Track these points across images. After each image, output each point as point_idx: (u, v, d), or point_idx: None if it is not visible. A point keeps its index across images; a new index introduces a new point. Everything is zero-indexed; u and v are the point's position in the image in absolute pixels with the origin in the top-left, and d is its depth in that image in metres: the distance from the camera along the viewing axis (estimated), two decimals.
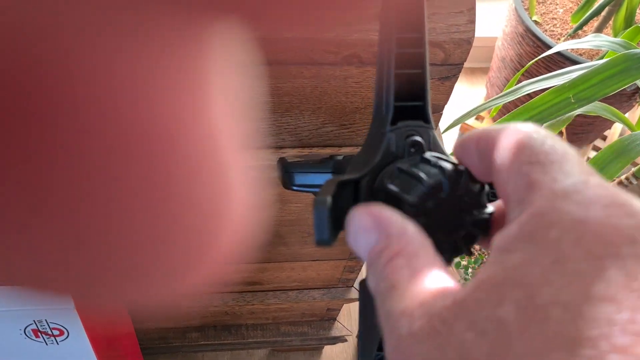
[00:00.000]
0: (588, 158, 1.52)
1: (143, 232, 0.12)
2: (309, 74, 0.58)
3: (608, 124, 1.48)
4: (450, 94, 0.63)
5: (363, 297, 0.43)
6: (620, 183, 0.97)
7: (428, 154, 0.37)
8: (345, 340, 1.21)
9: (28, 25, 0.09)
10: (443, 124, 0.86)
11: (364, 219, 0.30)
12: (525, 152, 0.25)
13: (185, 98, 0.11)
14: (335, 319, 1.18)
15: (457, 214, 0.36)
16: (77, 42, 0.10)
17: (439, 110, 0.65)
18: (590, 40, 0.89)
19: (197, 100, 0.12)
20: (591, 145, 1.57)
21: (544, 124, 0.78)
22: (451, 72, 0.60)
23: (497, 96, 0.84)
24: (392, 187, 0.36)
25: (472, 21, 0.57)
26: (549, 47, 1.31)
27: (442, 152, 0.39)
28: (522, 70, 0.97)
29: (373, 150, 0.40)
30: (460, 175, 0.35)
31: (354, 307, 1.36)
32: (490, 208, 0.37)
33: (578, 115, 1.46)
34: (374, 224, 0.29)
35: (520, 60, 1.39)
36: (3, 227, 0.11)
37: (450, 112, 1.69)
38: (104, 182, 0.11)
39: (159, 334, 1.13)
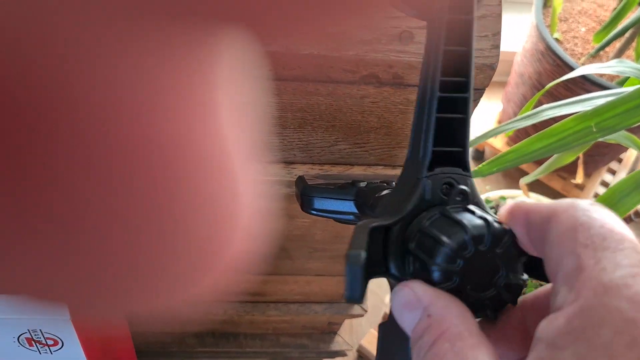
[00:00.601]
0: (603, 182, 1.50)
1: (149, 240, 0.12)
2: (325, 91, 0.56)
3: (625, 147, 1.46)
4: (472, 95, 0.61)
5: (382, 342, 0.41)
6: (636, 213, 0.95)
7: (472, 206, 0.35)
8: (345, 355, 1.19)
9: (36, 34, 0.09)
10: None
11: (408, 295, 0.30)
12: (581, 232, 0.24)
13: (193, 105, 0.11)
14: (336, 333, 1.16)
15: (492, 273, 0.33)
16: (86, 51, 0.09)
17: None
18: (614, 66, 0.87)
19: (205, 108, 0.12)
20: (606, 168, 1.54)
21: (564, 151, 0.75)
22: (473, 96, 0.58)
23: (517, 118, 0.82)
24: (433, 230, 0.34)
25: (497, 46, 0.54)
26: (570, 66, 1.28)
27: (478, 201, 0.37)
28: (542, 92, 0.95)
29: (407, 196, 0.38)
30: (504, 234, 0.33)
31: (356, 322, 1.34)
32: (525, 276, 0.35)
33: None
34: (418, 302, 0.29)
35: (539, 77, 1.37)
36: (8, 234, 0.11)
37: (471, 126, 1.66)
38: (109, 189, 0.11)
39: (156, 339, 1.11)
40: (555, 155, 0.94)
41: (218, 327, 1.10)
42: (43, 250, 0.11)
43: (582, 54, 1.37)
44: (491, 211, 0.37)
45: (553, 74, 1.32)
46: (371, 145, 0.63)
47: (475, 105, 0.59)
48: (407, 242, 0.35)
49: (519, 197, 1.13)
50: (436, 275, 0.32)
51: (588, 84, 1.26)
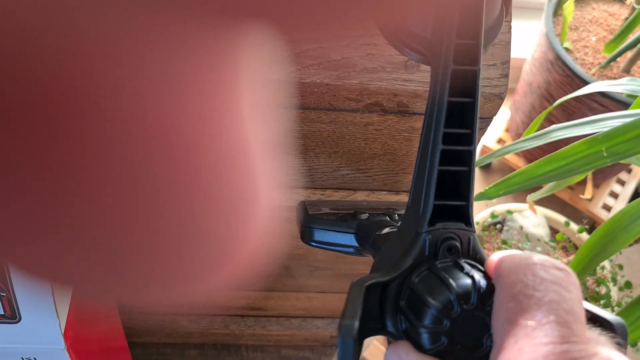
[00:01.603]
0: (612, 192, 1.47)
1: (168, 231, 0.12)
2: (327, 118, 0.55)
3: None
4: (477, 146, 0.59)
5: None
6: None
7: (462, 261, 0.34)
8: None
9: (61, 30, 0.09)
10: None
11: None
12: (512, 303, 0.27)
13: (216, 101, 0.11)
14: None
15: (482, 331, 0.32)
16: (112, 47, 0.10)
17: None
18: (624, 84, 0.85)
19: (228, 104, 0.12)
20: (615, 178, 1.52)
21: (573, 175, 0.74)
22: (480, 125, 0.56)
23: (525, 139, 0.80)
24: (419, 288, 0.33)
25: (506, 75, 0.53)
26: (579, 77, 1.26)
27: (482, 259, 0.35)
28: (549, 109, 0.93)
29: (405, 251, 0.36)
30: (492, 291, 0.32)
31: None
32: None
33: None
34: None
35: (548, 87, 1.35)
36: (38, 224, 0.11)
37: None
38: (132, 181, 0.11)
39: (157, 350, 1.11)
40: None
41: (219, 339, 1.09)
42: (71, 240, 0.12)
43: (592, 63, 1.35)
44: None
45: (562, 84, 1.30)
46: (374, 171, 0.62)
47: (483, 133, 0.58)
48: (399, 299, 0.34)
49: (525, 211, 1.11)
50: (424, 337, 0.31)
51: (598, 96, 1.23)
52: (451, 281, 0.32)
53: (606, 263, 1.01)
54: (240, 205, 0.14)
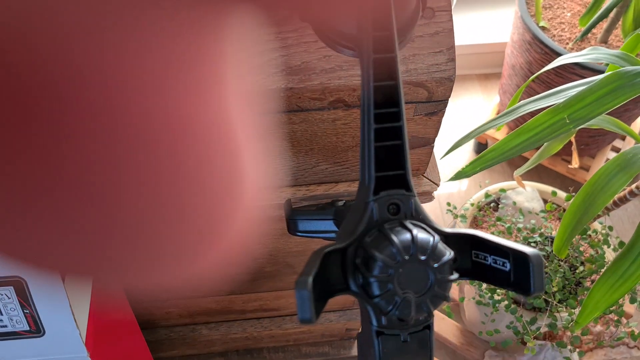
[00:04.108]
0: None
1: (156, 210, 0.13)
2: (297, 119, 0.60)
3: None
4: (438, 128, 0.64)
5: (360, 349, 0.45)
6: (630, 192, 0.97)
7: (406, 221, 0.39)
8: None
9: (44, 25, 0.09)
10: (454, 137, 0.87)
11: None
12: None
13: (202, 82, 0.12)
14: (355, 338, 1.20)
15: (425, 276, 0.37)
16: (98, 28, 0.10)
17: (429, 144, 0.66)
18: (588, 54, 0.89)
19: (212, 85, 0.12)
20: (610, 146, 1.55)
21: (542, 144, 0.78)
22: (437, 107, 0.61)
23: (496, 117, 0.85)
24: (369, 246, 0.38)
25: (452, 59, 0.58)
26: (557, 53, 1.30)
27: (424, 218, 0.41)
28: (522, 87, 0.98)
29: (358, 219, 0.42)
30: (429, 241, 0.37)
31: None
32: (454, 275, 0.39)
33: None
34: None
35: (530, 67, 1.39)
36: (26, 201, 0.11)
37: (469, 121, 1.69)
38: (119, 159, 0.11)
39: None
40: (544, 145, 0.97)
41: (241, 345, 1.14)
42: (55, 218, 0.12)
43: (570, 39, 1.39)
44: (436, 223, 0.41)
45: (542, 62, 1.34)
46: (350, 162, 0.67)
47: (442, 114, 0.63)
48: (356, 259, 0.39)
49: (518, 188, 1.15)
50: (374, 285, 0.37)
51: (578, 68, 1.27)
52: (393, 236, 0.38)
53: (598, 227, 1.05)
54: (225, 189, 0.14)
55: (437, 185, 0.70)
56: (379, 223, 0.40)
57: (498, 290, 0.97)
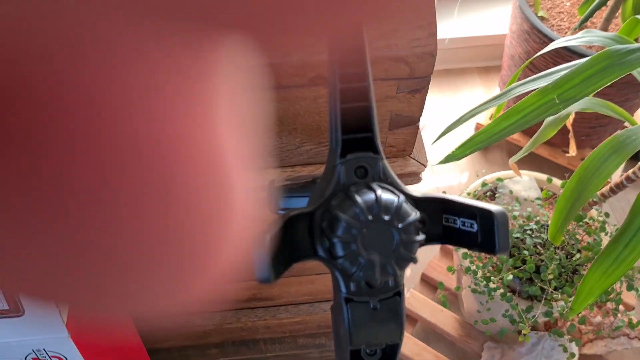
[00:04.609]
0: None
1: (144, 240, 0.12)
2: (278, 97, 0.60)
3: None
4: (423, 106, 0.63)
5: (333, 321, 0.45)
6: (627, 178, 0.96)
7: (373, 183, 0.39)
8: None
9: (40, 39, 0.09)
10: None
11: None
12: None
13: (192, 109, 0.12)
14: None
15: (390, 237, 0.37)
16: (89, 54, 0.10)
17: (414, 123, 0.65)
18: (582, 37, 0.88)
19: (204, 112, 0.12)
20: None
21: (531, 125, 0.77)
22: (420, 84, 0.60)
23: (487, 100, 0.84)
24: (334, 208, 0.38)
25: (433, 34, 0.57)
26: (566, 48, 1.29)
27: (393, 182, 0.40)
28: (518, 71, 0.97)
29: (326, 184, 0.41)
30: (393, 201, 0.37)
31: None
32: (420, 236, 0.38)
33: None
34: None
35: (529, 57, 1.38)
36: (10, 232, 0.11)
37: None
38: (108, 190, 0.11)
39: (180, 352, 1.16)
40: (538, 131, 0.96)
41: (237, 336, 1.14)
42: (47, 249, 0.12)
43: (569, 28, 1.38)
44: (406, 187, 0.40)
45: (548, 56, 1.33)
46: None
47: (426, 92, 0.62)
48: (322, 223, 0.39)
49: (515, 177, 1.14)
50: (338, 246, 0.36)
51: (575, 56, 1.26)
52: (357, 197, 0.37)
53: (595, 214, 1.04)
54: (216, 208, 0.13)
55: (425, 166, 0.70)
56: (345, 186, 0.40)
57: (493, 278, 0.96)
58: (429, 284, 1.33)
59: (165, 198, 0.12)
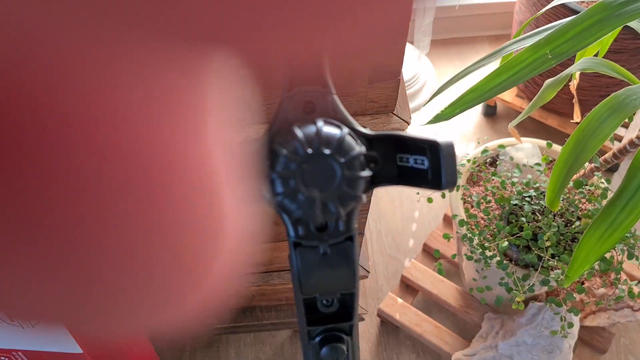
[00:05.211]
0: None
1: (138, 255, 0.12)
2: None
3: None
4: (402, 58, 0.61)
5: (291, 271, 0.43)
6: (631, 143, 0.92)
7: (319, 119, 0.37)
8: (362, 319, 1.20)
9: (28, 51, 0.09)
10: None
11: None
12: None
13: (183, 124, 0.11)
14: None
15: (332, 172, 0.35)
16: (79, 68, 0.10)
17: (395, 76, 0.63)
18: None
19: (195, 126, 0.12)
20: None
21: (523, 81, 0.74)
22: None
23: (480, 58, 0.81)
24: (275, 144, 0.36)
25: None
26: (566, 7, 1.25)
27: (342, 117, 0.38)
28: (519, 30, 0.93)
29: (273, 120, 0.40)
30: (335, 134, 0.35)
31: (375, 286, 1.35)
32: (365, 172, 0.36)
33: (602, 76, 1.38)
34: None
35: (537, 22, 1.33)
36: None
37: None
38: (100, 206, 0.11)
39: None
40: (538, 94, 0.93)
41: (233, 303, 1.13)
42: (39, 267, 0.11)
43: None
44: (357, 124, 0.38)
45: (550, 16, 1.29)
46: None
47: (404, 43, 0.59)
48: (266, 162, 0.37)
49: (517, 144, 1.11)
50: (277, 183, 0.34)
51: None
52: (297, 131, 0.35)
53: (596, 181, 1.01)
54: (208, 223, 0.13)
55: (408, 123, 0.67)
56: (290, 122, 0.38)
57: (488, 245, 0.94)
58: (431, 254, 1.31)
59: (154, 212, 0.12)
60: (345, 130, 0.35)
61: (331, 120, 0.37)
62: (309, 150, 0.34)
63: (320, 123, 0.35)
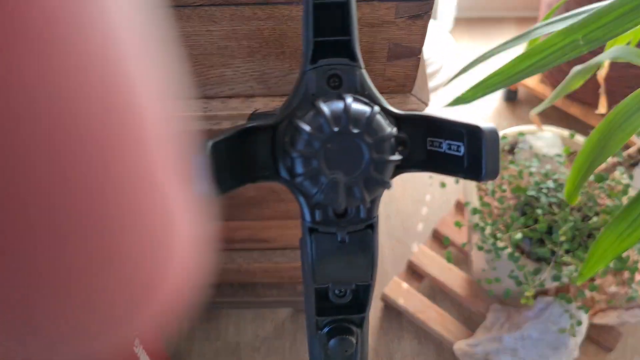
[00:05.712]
0: None
1: (84, 268, 0.12)
2: (263, 15, 0.54)
3: None
4: (424, 35, 0.57)
5: (301, 256, 0.40)
6: None
7: (347, 95, 0.33)
8: None
9: None
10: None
11: None
12: None
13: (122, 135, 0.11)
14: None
15: (359, 154, 0.32)
16: None
17: (415, 54, 0.59)
18: None
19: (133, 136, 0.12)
20: None
21: (551, 67, 0.70)
22: (421, 8, 0.54)
23: (507, 40, 0.77)
24: (297, 120, 0.33)
25: None
26: None
27: (371, 95, 0.35)
28: (550, 12, 0.88)
29: (294, 93, 0.36)
30: (365, 112, 0.32)
31: (380, 270, 1.32)
32: (395, 156, 0.33)
33: (632, 67, 1.33)
34: None
35: (567, 6, 1.28)
36: None
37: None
38: (40, 219, 0.10)
39: None
40: (564, 81, 0.88)
41: (234, 278, 1.11)
42: None
43: None
44: (386, 102, 0.35)
45: (580, 1, 1.23)
46: None
47: (428, 18, 0.55)
48: (285, 137, 0.34)
49: (538, 132, 1.07)
50: (297, 162, 0.32)
51: None
52: (323, 106, 0.32)
53: (618, 176, 0.96)
54: (155, 235, 0.13)
55: (426, 104, 0.64)
56: (315, 97, 0.35)
57: (500, 235, 0.90)
58: (440, 240, 1.27)
59: (99, 226, 0.11)
60: (377, 108, 0.32)
61: (360, 97, 0.33)
62: (335, 129, 0.31)
63: (349, 99, 0.31)
